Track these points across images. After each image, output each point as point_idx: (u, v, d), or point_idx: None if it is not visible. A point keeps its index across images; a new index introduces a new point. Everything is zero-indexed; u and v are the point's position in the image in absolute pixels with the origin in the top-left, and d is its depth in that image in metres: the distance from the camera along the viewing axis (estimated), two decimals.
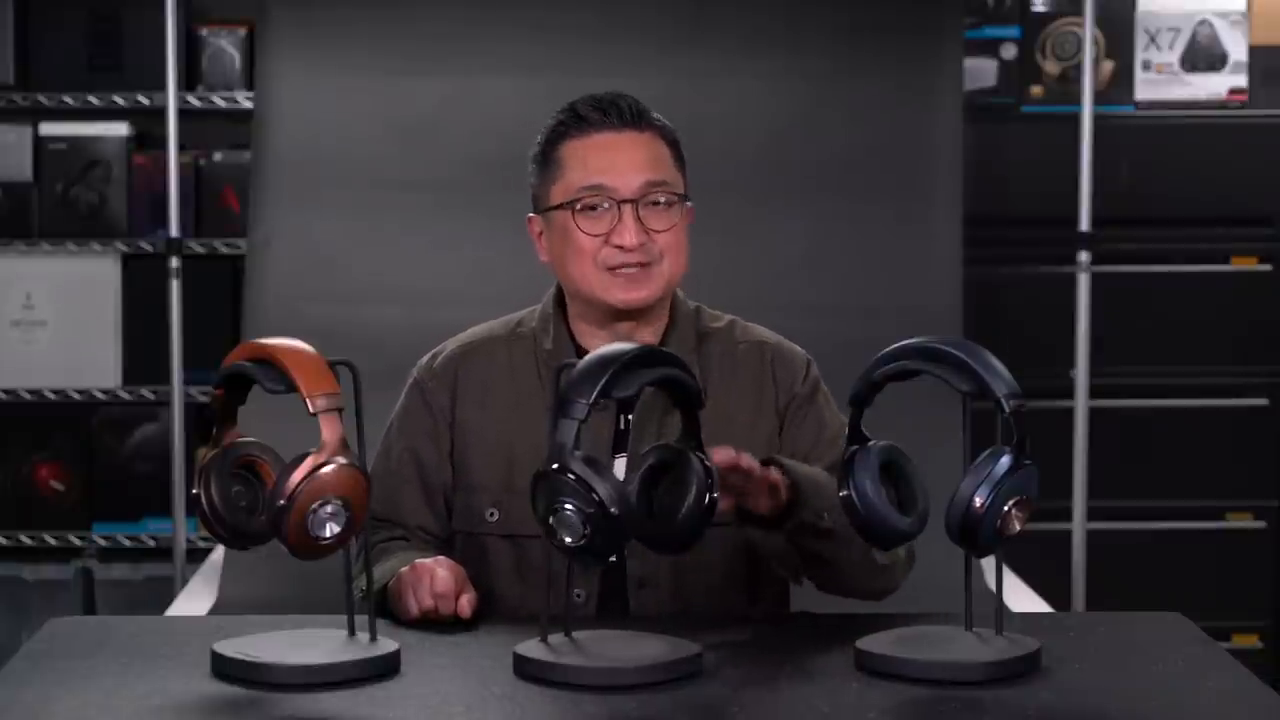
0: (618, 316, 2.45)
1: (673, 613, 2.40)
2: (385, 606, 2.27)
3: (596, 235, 2.41)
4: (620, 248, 2.40)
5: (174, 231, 4.18)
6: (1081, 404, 4.08)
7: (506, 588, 2.44)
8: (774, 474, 2.22)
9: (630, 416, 2.42)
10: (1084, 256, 4.07)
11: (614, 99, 2.46)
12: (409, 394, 2.53)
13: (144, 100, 4.46)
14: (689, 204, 2.48)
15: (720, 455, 2.12)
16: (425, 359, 2.55)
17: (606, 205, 2.41)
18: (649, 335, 2.47)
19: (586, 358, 2.02)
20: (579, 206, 2.41)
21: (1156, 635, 2.22)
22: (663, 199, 2.42)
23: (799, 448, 2.45)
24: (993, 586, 2.14)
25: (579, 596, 2.38)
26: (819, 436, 2.47)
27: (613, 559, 2.33)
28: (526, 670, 2.00)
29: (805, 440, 2.46)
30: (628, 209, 2.40)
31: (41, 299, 4.50)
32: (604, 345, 2.37)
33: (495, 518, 2.46)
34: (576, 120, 2.45)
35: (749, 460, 2.17)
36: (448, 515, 2.51)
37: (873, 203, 3.92)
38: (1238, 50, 4.47)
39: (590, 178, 2.42)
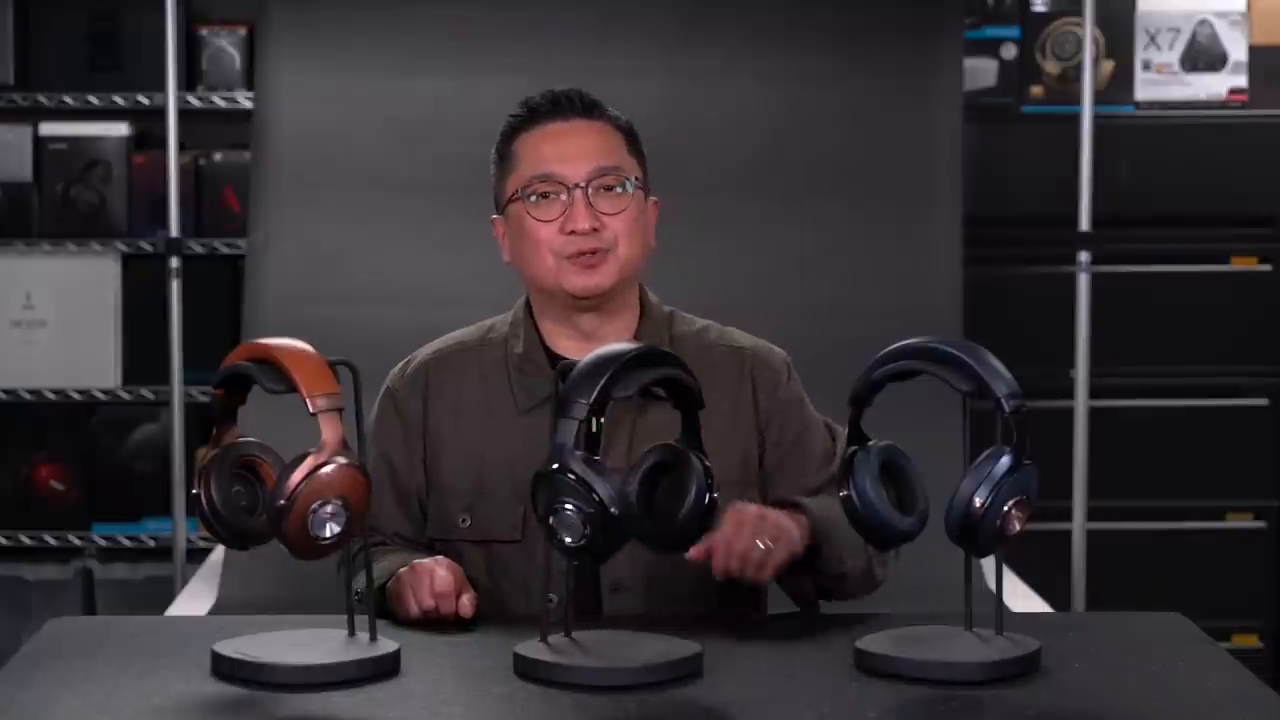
0: (578, 308, 2.45)
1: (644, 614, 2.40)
2: (384, 607, 2.27)
3: (549, 222, 2.42)
4: (574, 233, 2.41)
5: (174, 231, 4.18)
6: (1081, 404, 4.08)
7: (480, 593, 2.41)
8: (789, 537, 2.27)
9: (601, 420, 2.41)
10: (1084, 256, 4.08)
11: (565, 91, 2.48)
12: (381, 402, 2.53)
13: (144, 100, 4.46)
14: (652, 198, 2.50)
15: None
16: (397, 367, 2.55)
17: (558, 193, 2.42)
18: (616, 330, 2.46)
19: (586, 358, 2.02)
20: (532, 197, 2.43)
21: (1156, 635, 2.22)
22: (614, 185, 2.43)
23: (786, 461, 2.48)
24: (993, 586, 2.14)
25: (551, 601, 2.37)
26: (806, 455, 2.49)
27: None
28: (526, 670, 2.00)
29: (795, 463, 2.47)
30: (578, 194, 2.41)
31: (41, 299, 4.50)
32: (571, 345, 2.41)
33: (467, 524, 2.46)
34: (528, 113, 2.48)
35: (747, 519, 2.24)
36: (423, 521, 2.50)
37: (873, 203, 3.92)
38: (1238, 50, 4.47)
39: (541, 167, 2.43)
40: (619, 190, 2.44)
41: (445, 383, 2.50)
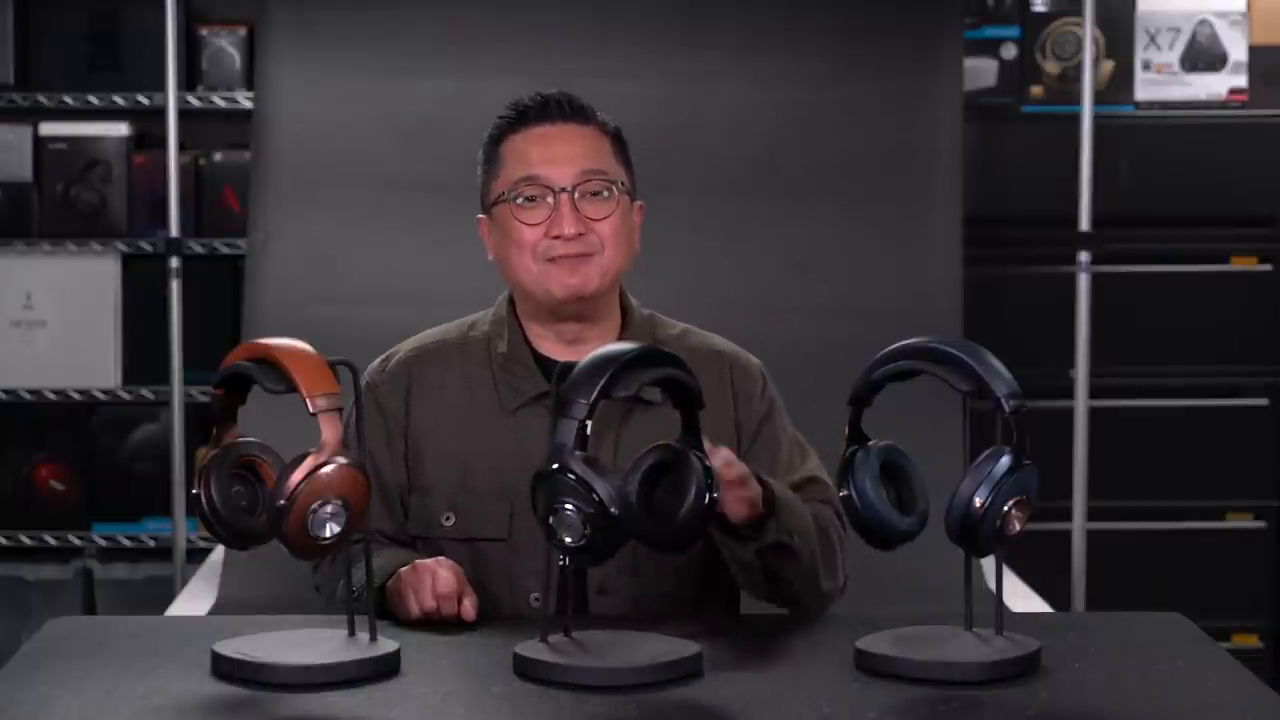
0: (562, 314, 2.45)
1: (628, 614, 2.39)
2: (384, 606, 2.27)
3: (535, 225, 2.42)
4: (559, 238, 2.41)
5: (174, 231, 4.18)
6: (1081, 404, 4.08)
7: None
8: (755, 488, 2.23)
9: (589, 422, 2.40)
10: (1084, 256, 4.08)
11: (554, 95, 2.48)
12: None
13: (144, 100, 4.46)
14: (638, 201, 2.50)
15: (721, 457, 2.13)
16: (376, 362, 2.54)
17: (544, 196, 2.42)
18: (598, 336, 2.46)
19: (586, 357, 2.02)
20: (517, 199, 2.43)
21: (1156, 635, 2.22)
22: (601, 189, 2.43)
23: (755, 468, 2.46)
24: (993, 586, 2.14)
25: (536, 601, 2.37)
26: (774, 458, 2.47)
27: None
28: (526, 670, 2.00)
29: (761, 463, 2.44)
30: (564, 198, 2.41)
31: (41, 299, 4.50)
32: (556, 349, 2.41)
33: (451, 522, 2.45)
34: (517, 115, 2.47)
35: (747, 476, 2.19)
36: (405, 518, 2.50)
37: (873, 203, 3.92)
38: (1238, 50, 4.47)
39: (527, 169, 2.43)
40: (605, 195, 2.44)
41: (427, 379, 2.49)
